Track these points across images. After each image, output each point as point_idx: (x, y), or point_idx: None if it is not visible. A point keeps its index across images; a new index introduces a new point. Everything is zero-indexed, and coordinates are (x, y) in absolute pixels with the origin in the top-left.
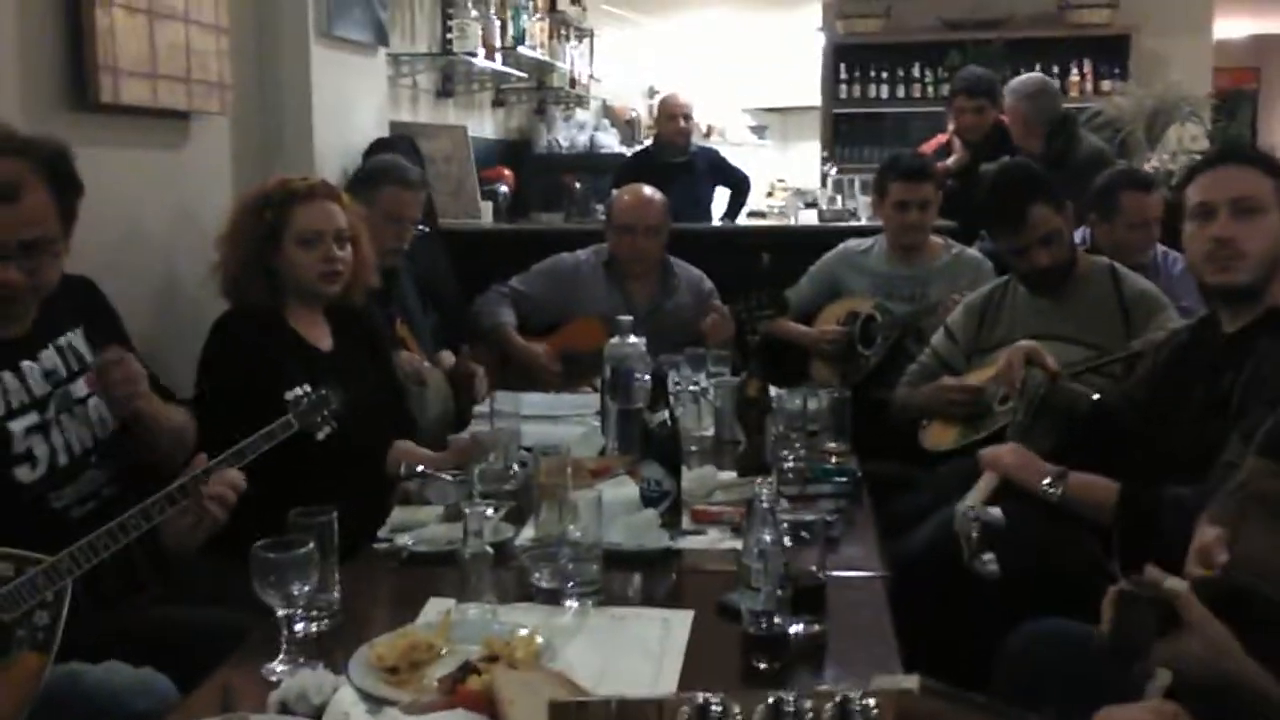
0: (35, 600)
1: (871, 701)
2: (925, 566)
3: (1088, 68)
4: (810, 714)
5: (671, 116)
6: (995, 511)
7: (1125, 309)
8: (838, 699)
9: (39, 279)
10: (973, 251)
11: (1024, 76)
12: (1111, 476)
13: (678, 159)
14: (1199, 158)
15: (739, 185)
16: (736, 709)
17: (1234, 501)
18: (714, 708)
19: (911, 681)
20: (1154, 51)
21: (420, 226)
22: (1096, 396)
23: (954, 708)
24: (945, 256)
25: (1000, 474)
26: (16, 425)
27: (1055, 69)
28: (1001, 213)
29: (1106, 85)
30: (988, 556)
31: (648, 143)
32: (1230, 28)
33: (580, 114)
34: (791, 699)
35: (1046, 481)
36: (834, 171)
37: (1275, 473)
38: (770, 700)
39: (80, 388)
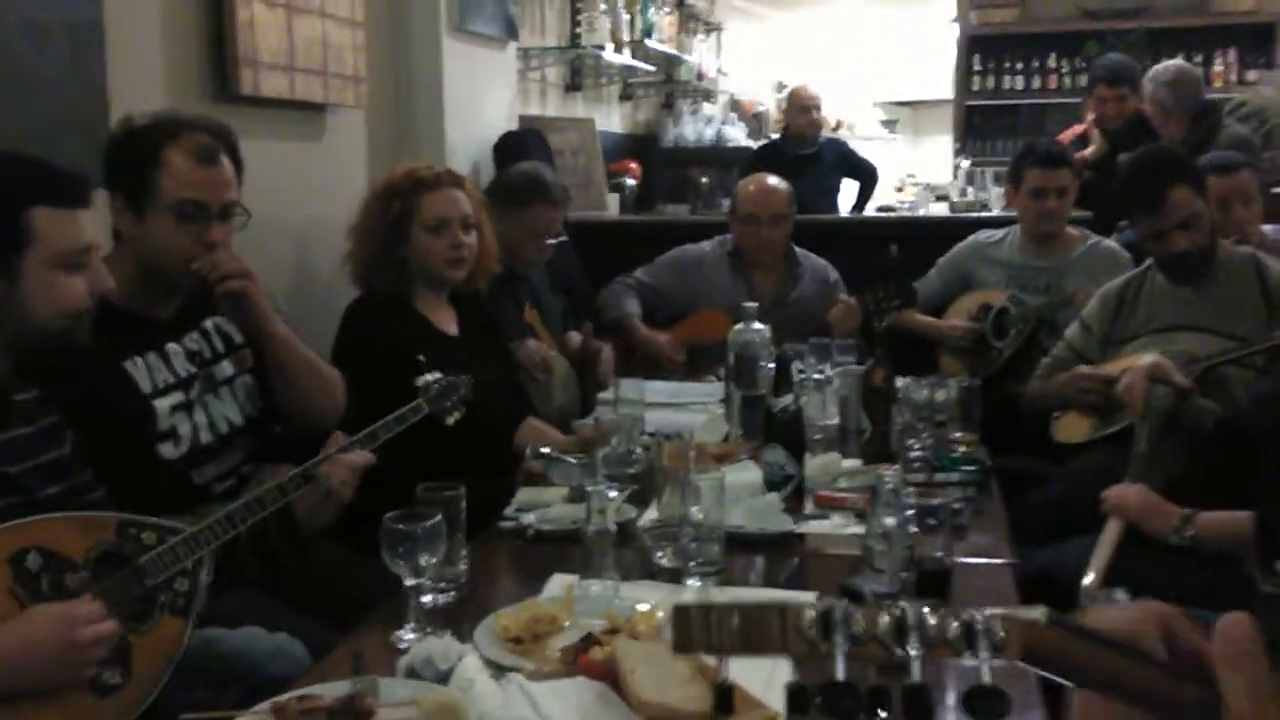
0: (176, 568)
1: (999, 625)
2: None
3: (1232, 57)
4: (935, 629)
5: (803, 109)
6: (1120, 596)
7: (1269, 299)
8: (964, 617)
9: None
10: (1110, 242)
11: (1164, 64)
12: (1246, 493)
13: (806, 150)
14: None
15: (867, 176)
16: (860, 617)
17: None
18: (838, 614)
19: (1039, 613)
20: None
21: (561, 238)
22: (1222, 411)
23: (1083, 644)
24: (1081, 247)
25: (1126, 520)
26: (162, 403)
27: (1198, 59)
28: (1140, 195)
29: (1252, 75)
30: None
31: (774, 135)
32: None
33: (707, 108)
34: (915, 612)
35: (1175, 525)
36: (966, 164)
37: None
38: (895, 612)
39: (225, 369)
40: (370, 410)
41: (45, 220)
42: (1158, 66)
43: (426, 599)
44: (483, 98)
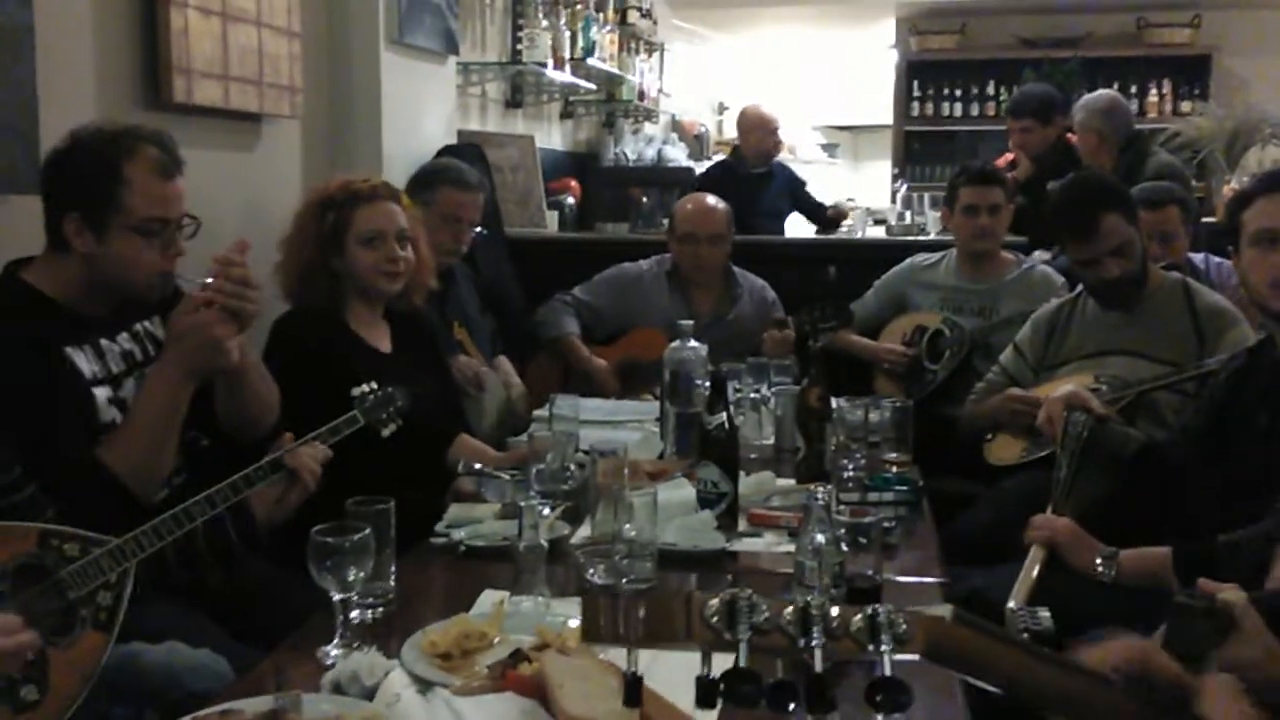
0: (99, 581)
1: (901, 618)
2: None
3: (1167, 88)
4: (838, 621)
5: (769, 130)
6: (1044, 616)
7: (1198, 324)
8: (869, 611)
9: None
10: (1044, 267)
11: (1096, 93)
12: (1169, 517)
13: (759, 170)
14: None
15: (813, 214)
16: (765, 607)
17: None
18: (741, 603)
19: (945, 610)
20: (1235, 72)
21: (480, 229)
22: (1144, 438)
23: (983, 640)
24: (1015, 271)
25: (1050, 548)
26: (100, 392)
27: (1133, 88)
28: (1072, 222)
29: (1185, 106)
30: None
31: (719, 156)
32: None
33: (649, 128)
34: (821, 605)
35: (1099, 563)
36: (904, 188)
37: None
38: (800, 603)
39: None
40: (298, 427)
41: None
42: (1089, 95)
43: (354, 614)
44: (421, 111)
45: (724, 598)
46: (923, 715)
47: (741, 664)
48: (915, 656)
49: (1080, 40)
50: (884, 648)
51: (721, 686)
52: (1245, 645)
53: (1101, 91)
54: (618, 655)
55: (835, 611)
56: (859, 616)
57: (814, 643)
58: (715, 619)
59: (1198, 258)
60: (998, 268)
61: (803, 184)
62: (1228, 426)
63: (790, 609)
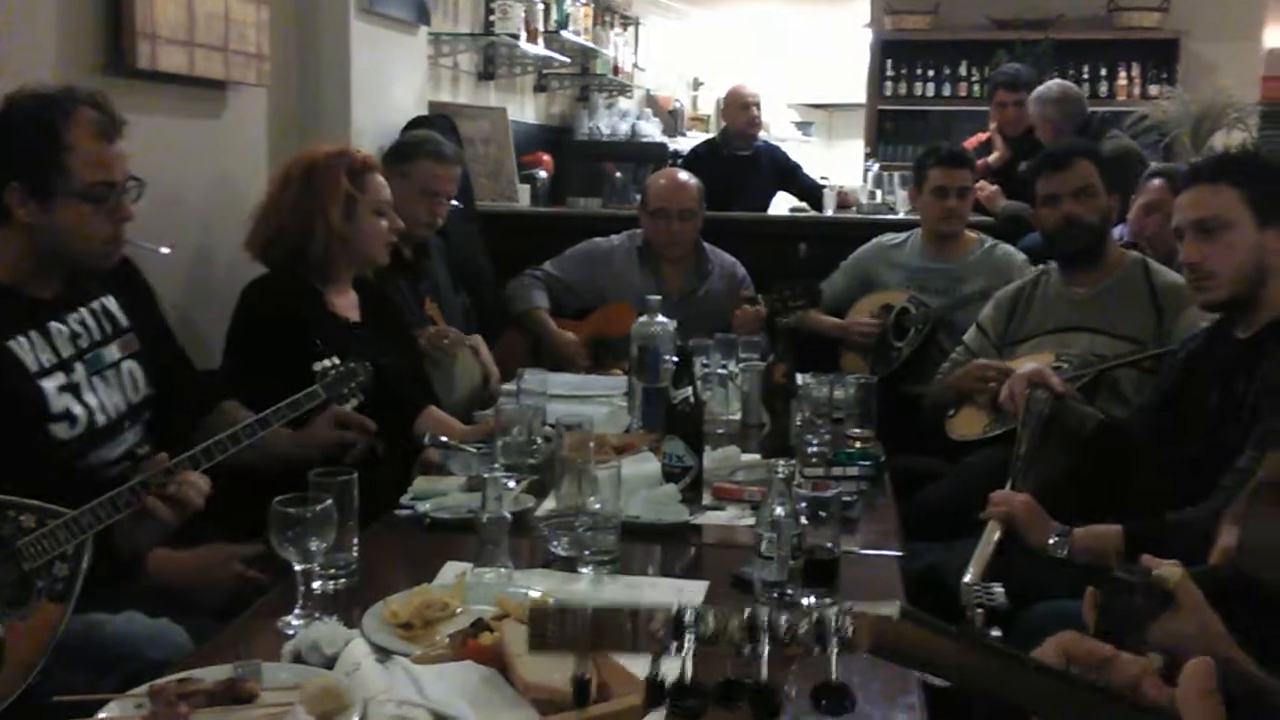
0: (55, 552)
1: (849, 621)
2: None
3: (1135, 71)
4: (785, 627)
5: (744, 106)
6: (998, 591)
7: (1157, 301)
8: (815, 616)
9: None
10: (1007, 246)
11: (1047, 84)
12: (1126, 494)
13: (743, 152)
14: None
15: (810, 196)
16: (711, 619)
17: (1247, 494)
18: (688, 616)
19: (892, 608)
20: (1202, 57)
21: (454, 202)
22: (1103, 417)
23: (931, 635)
24: (979, 250)
25: (1007, 524)
26: (48, 384)
27: (1103, 71)
28: (1051, 158)
29: (1154, 90)
30: (994, 634)
31: (695, 133)
32: None
33: (623, 102)
34: (767, 611)
35: (1052, 541)
36: (876, 168)
37: None
38: (747, 613)
39: (113, 352)
40: (264, 392)
41: None
42: (1041, 87)
43: (316, 585)
44: (391, 82)
45: (670, 613)
46: (881, 706)
47: (686, 678)
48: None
49: (1052, 23)
50: (831, 651)
51: (666, 701)
52: (1181, 620)
53: (1053, 81)
54: None
55: (784, 618)
56: (806, 621)
57: (760, 651)
58: (661, 633)
59: None
60: (962, 247)
61: (795, 167)
62: (1181, 405)
63: (737, 619)
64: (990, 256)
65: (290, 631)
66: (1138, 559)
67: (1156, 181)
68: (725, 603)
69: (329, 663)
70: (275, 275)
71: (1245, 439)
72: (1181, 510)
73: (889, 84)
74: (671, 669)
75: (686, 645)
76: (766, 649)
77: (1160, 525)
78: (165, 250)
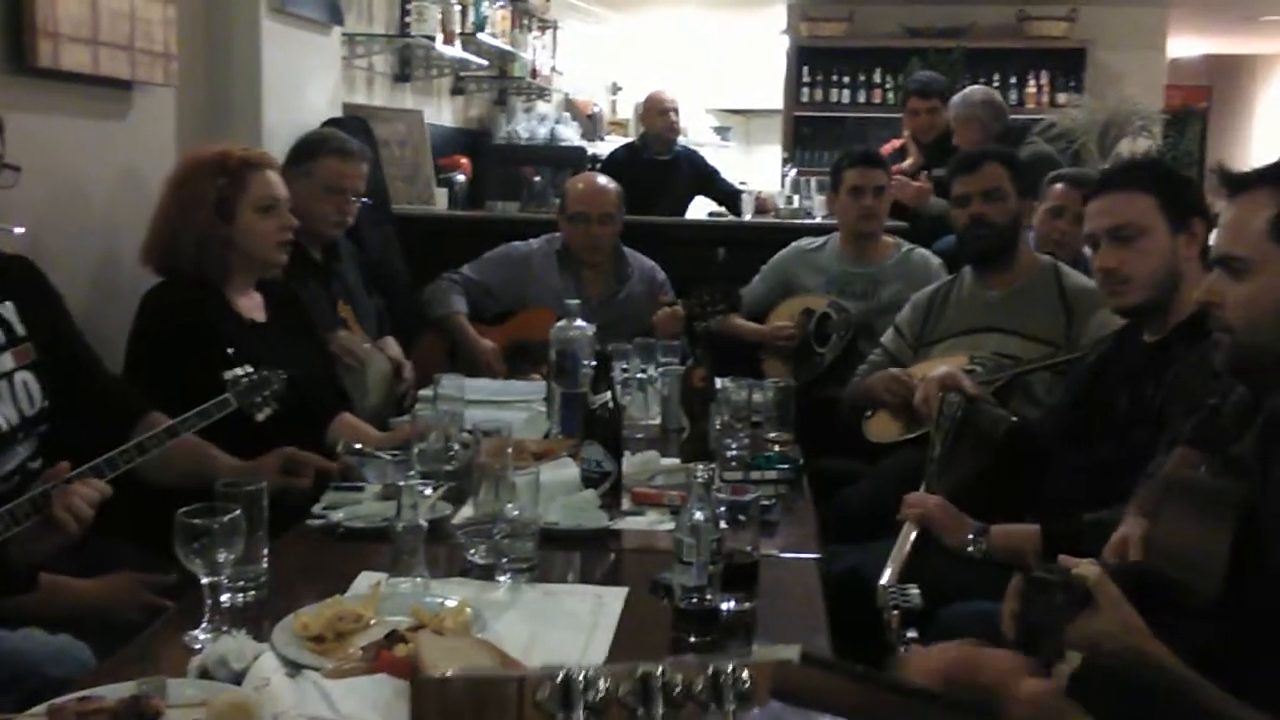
0: None
1: (745, 673)
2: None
3: (1045, 79)
4: (680, 686)
5: (662, 111)
6: (914, 592)
7: (1066, 303)
8: (710, 671)
9: None
10: (923, 250)
11: (971, 88)
12: (1038, 496)
13: (662, 156)
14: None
15: (728, 201)
16: (603, 683)
17: (1157, 490)
18: (578, 682)
19: (792, 651)
20: (1109, 66)
21: (364, 200)
22: (1015, 419)
23: (832, 677)
24: (896, 255)
25: (923, 525)
26: None
27: (1013, 79)
28: (964, 158)
29: (1062, 98)
30: (910, 634)
31: (613, 137)
32: (1184, 46)
33: (541, 106)
34: (660, 671)
35: (970, 540)
36: (793, 173)
37: (1196, 463)
38: (639, 673)
39: (5, 362)
40: (172, 402)
41: None
42: (965, 90)
43: (224, 598)
44: (304, 83)
45: (558, 677)
46: None
47: None
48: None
49: (964, 31)
50: (729, 707)
51: None
52: (1100, 618)
53: (976, 86)
54: (496, 638)
55: (679, 677)
56: (701, 678)
57: (655, 715)
58: (547, 701)
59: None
60: (880, 251)
61: (714, 172)
62: (1092, 408)
63: (629, 680)
64: (907, 261)
65: (197, 646)
66: (1054, 559)
67: (1059, 186)
68: (645, 609)
69: (237, 678)
70: (172, 282)
71: (1155, 441)
72: (1096, 511)
73: (806, 90)
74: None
75: (576, 715)
76: (661, 711)
77: (1077, 525)
78: (19, 231)
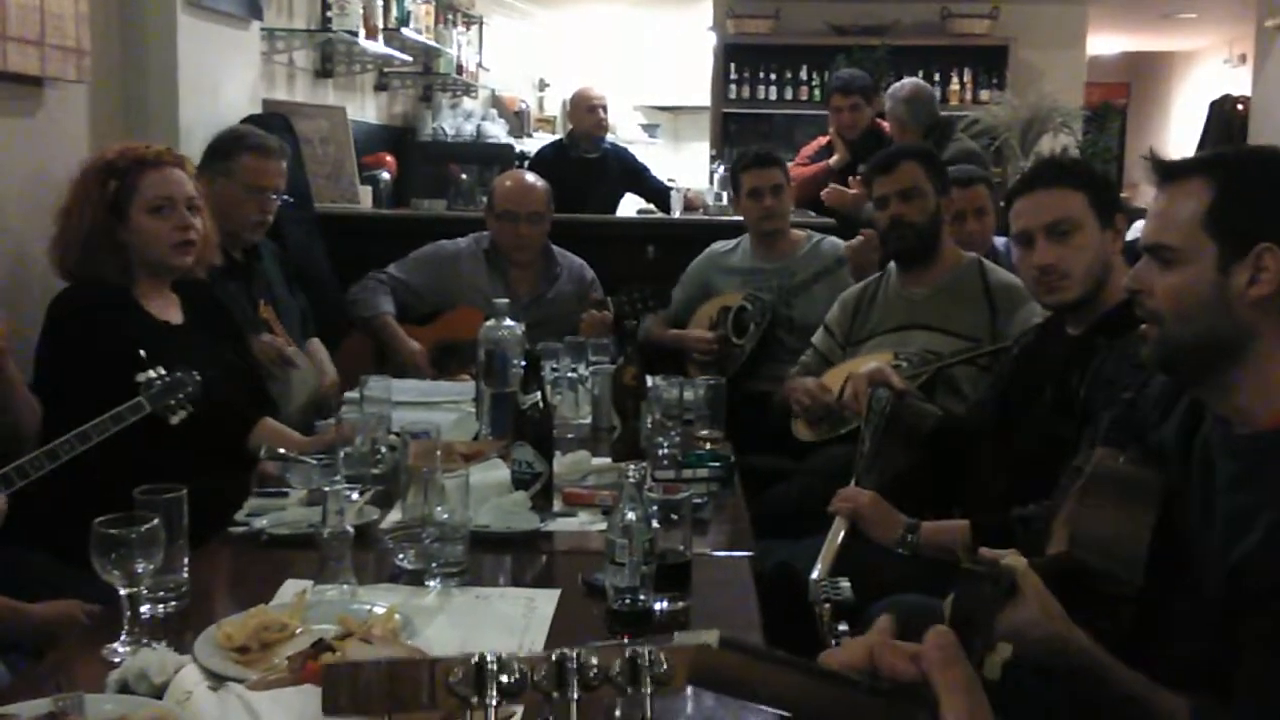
0: None
1: (662, 657)
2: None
3: (968, 76)
4: (596, 670)
5: (590, 108)
6: (845, 586)
7: (991, 299)
8: (627, 654)
9: None
10: (833, 239)
11: (902, 81)
12: (965, 490)
13: (590, 154)
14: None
15: (657, 198)
16: (517, 666)
17: (1077, 491)
18: (490, 666)
19: (712, 636)
20: (1030, 63)
21: (285, 198)
22: (942, 413)
23: (753, 662)
24: (807, 246)
25: (854, 520)
26: None
27: (937, 76)
28: (880, 161)
29: (985, 95)
30: (842, 628)
31: (542, 134)
32: (1103, 44)
33: (468, 103)
34: (576, 654)
35: (900, 534)
36: (721, 170)
37: (1115, 457)
38: (554, 656)
39: None
40: (83, 410)
41: None
42: (896, 84)
43: (144, 609)
44: (222, 79)
45: (470, 661)
46: None
47: None
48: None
49: (888, 29)
50: (645, 690)
51: None
52: (1026, 608)
53: (907, 80)
54: (426, 643)
55: (594, 660)
56: (618, 661)
57: (570, 697)
58: (459, 685)
59: (999, 241)
60: (790, 245)
61: (643, 169)
62: (1017, 401)
63: (545, 664)
64: (818, 250)
65: (116, 660)
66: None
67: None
68: (578, 611)
69: (158, 692)
70: (79, 285)
71: (1080, 434)
72: (1024, 505)
73: (733, 87)
74: None
75: (490, 698)
76: (576, 695)
77: (1005, 520)
78: None
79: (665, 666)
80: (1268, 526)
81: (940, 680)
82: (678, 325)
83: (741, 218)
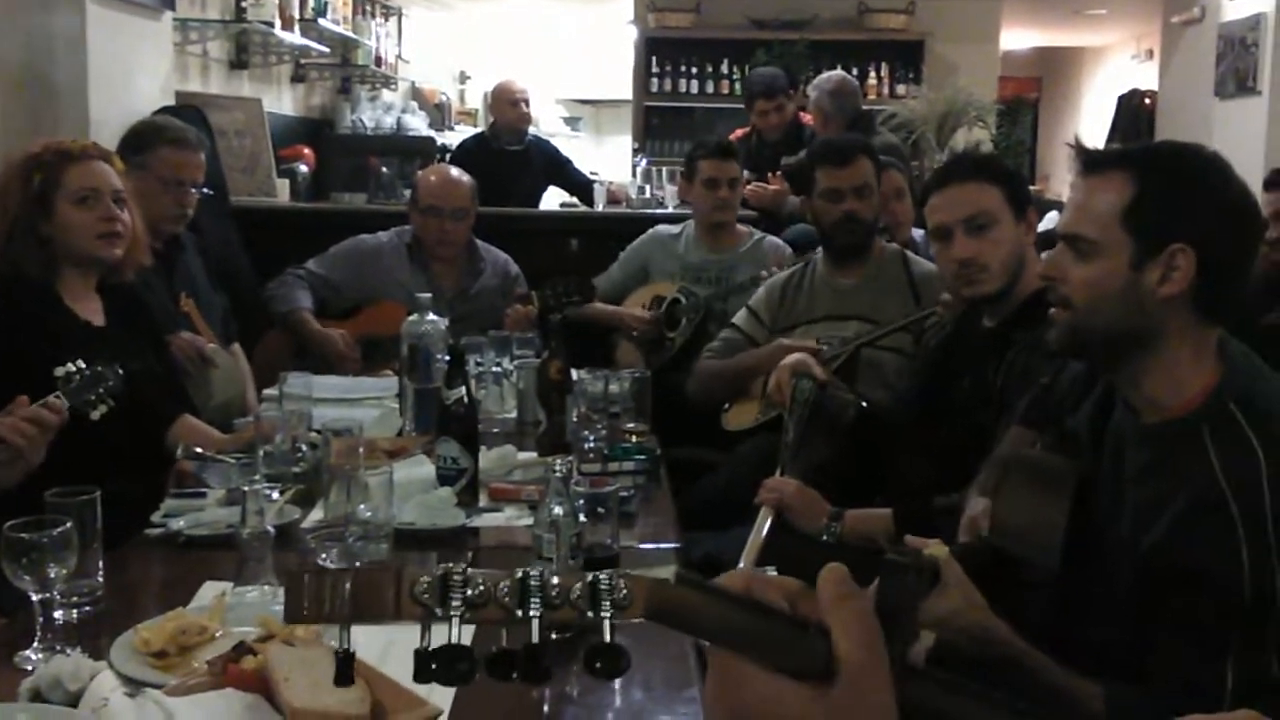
0: None
1: (623, 582)
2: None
3: (885, 71)
4: (557, 589)
5: (513, 102)
6: (771, 574)
7: (915, 289)
8: (589, 578)
9: None
10: (773, 238)
11: (826, 74)
12: (888, 479)
13: (513, 147)
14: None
15: (580, 191)
16: (480, 580)
17: (996, 469)
18: (455, 578)
19: (668, 572)
20: (945, 58)
21: (204, 190)
22: (864, 403)
23: (705, 598)
24: (749, 243)
25: (779, 510)
26: None
27: (855, 70)
28: (834, 152)
29: (901, 89)
30: None
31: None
32: (1016, 39)
33: (387, 95)
34: (539, 573)
35: (824, 523)
36: (644, 163)
37: (1032, 440)
38: (518, 574)
39: None
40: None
41: None
42: (820, 76)
43: (57, 615)
44: (133, 71)
45: (436, 572)
46: (660, 679)
47: (453, 640)
48: (637, 620)
49: (807, 23)
50: (605, 614)
51: (433, 665)
52: (948, 597)
53: (832, 73)
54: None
55: (556, 580)
56: (579, 584)
57: (532, 613)
58: (426, 595)
59: (917, 234)
60: (733, 239)
61: (566, 162)
62: (936, 392)
63: (508, 580)
64: (759, 248)
65: (29, 667)
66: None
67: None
68: None
69: (73, 700)
70: (6, 280)
71: (997, 423)
72: (945, 492)
73: (654, 80)
74: (440, 637)
75: (454, 607)
76: (538, 610)
77: (927, 508)
78: None
79: (625, 592)
80: (1174, 516)
81: (833, 614)
82: (613, 304)
83: (673, 207)
